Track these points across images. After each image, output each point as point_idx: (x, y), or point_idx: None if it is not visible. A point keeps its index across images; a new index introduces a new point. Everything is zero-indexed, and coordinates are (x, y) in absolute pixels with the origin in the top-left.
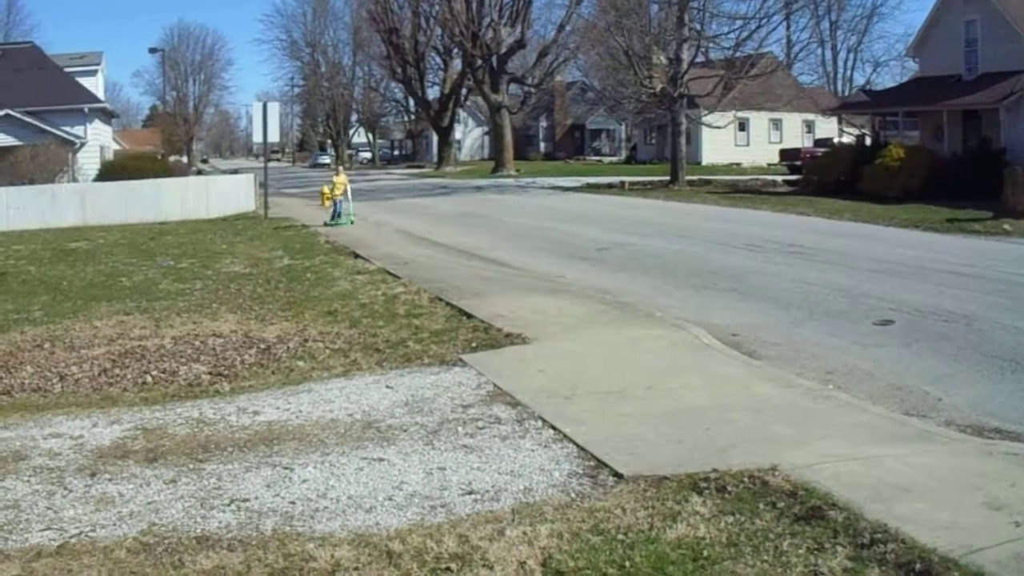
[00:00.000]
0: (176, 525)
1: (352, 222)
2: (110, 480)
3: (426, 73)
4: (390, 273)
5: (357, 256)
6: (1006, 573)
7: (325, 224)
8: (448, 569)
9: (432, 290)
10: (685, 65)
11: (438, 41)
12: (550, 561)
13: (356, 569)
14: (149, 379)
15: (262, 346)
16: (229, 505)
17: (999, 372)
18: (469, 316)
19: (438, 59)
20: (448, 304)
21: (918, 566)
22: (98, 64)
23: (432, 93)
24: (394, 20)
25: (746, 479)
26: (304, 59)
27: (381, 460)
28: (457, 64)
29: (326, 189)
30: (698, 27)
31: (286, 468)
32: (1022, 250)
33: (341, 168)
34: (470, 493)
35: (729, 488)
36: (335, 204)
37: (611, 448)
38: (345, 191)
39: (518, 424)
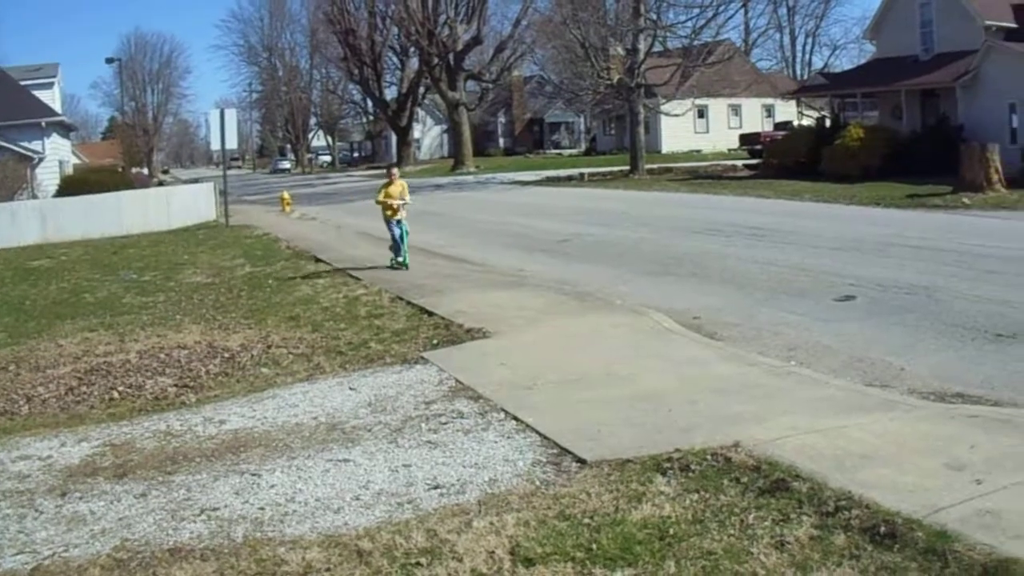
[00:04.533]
0: (148, 539)
1: (406, 261)
2: (81, 498)
3: (383, 73)
4: (352, 276)
5: (318, 260)
6: (968, 529)
7: (391, 266)
8: (418, 564)
9: (393, 290)
10: (642, 55)
11: (395, 40)
12: (518, 549)
13: (327, 570)
14: (116, 395)
15: (226, 355)
16: (200, 515)
17: (960, 340)
18: (430, 314)
19: (395, 59)
20: (409, 303)
21: (883, 529)
22: (54, 76)
23: (390, 93)
24: (350, 21)
25: (709, 457)
26: (262, 64)
27: (347, 461)
28: (414, 63)
29: (286, 195)
30: (654, 17)
31: (254, 475)
32: (980, 222)
33: (396, 170)
34: (436, 488)
35: (693, 467)
36: (393, 229)
37: (573, 435)
38: (402, 207)
39: (481, 417)
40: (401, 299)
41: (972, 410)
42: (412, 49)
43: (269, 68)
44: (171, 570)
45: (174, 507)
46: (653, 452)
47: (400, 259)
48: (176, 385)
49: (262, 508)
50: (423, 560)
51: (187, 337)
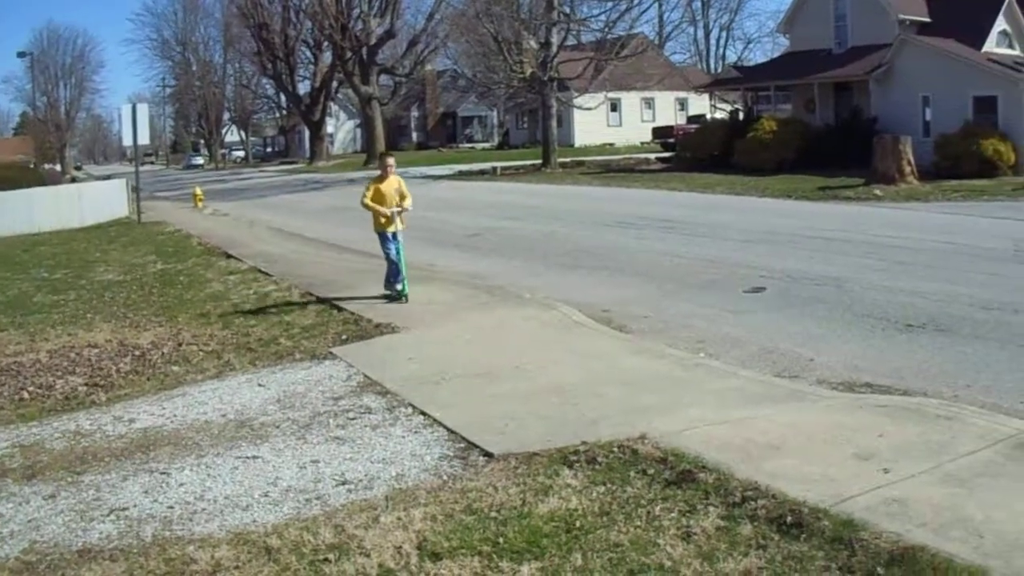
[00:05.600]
0: (57, 540)
1: (405, 290)
2: None
3: (296, 68)
4: (262, 271)
5: (229, 256)
6: (875, 517)
7: (386, 296)
8: (326, 560)
9: (303, 286)
10: (555, 49)
11: (308, 35)
12: (425, 544)
13: (236, 568)
14: (26, 395)
15: (137, 353)
16: (109, 515)
17: (869, 330)
18: (340, 309)
19: (308, 53)
20: (319, 299)
21: (789, 518)
22: None
23: (303, 88)
24: (264, 15)
25: (616, 449)
26: (175, 58)
27: (255, 458)
28: (327, 57)
29: (199, 191)
30: (567, 10)
31: (163, 473)
32: (892, 214)
33: (391, 160)
34: (344, 483)
35: (599, 459)
36: (388, 247)
37: (481, 429)
38: (399, 215)
39: (388, 412)
40: (311, 295)
41: (881, 400)
42: (325, 43)
43: (183, 63)
44: (80, 572)
45: (83, 508)
46: (560, 445)
47: (399, 287)
48: (86, 384)
49: (171, 507)
50: (331, 556)
51: (98, 335)
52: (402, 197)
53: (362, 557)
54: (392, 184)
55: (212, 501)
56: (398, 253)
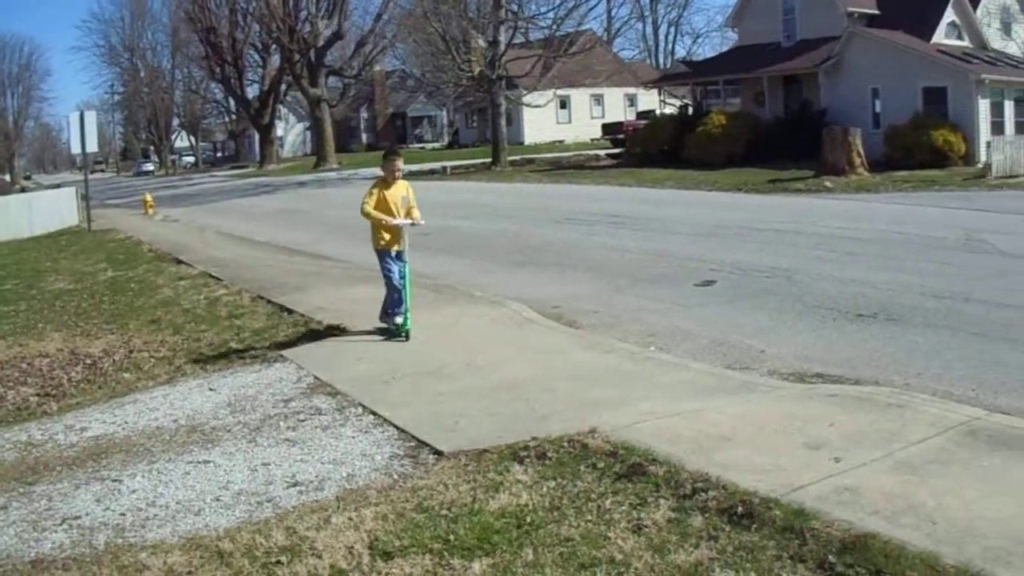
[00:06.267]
0: (10, 552)
1: (407, 325)
2: None
3: (245, 71)
4: (212, 276)
5: (180, 262)
6: (827, 506)
7: (383, 331)
8: (279, 562)
9: (253, 289)
10: (503, 47)
11: (256, 38)
12: (377, 543)
13: (189, 573)
14: None
15: (88, 362)
16: (61, 524)
17: (820, 321)
18: (290, 312)
19: (256, 56)
20: (269, 302)
21: (740, 509)
22: None
23: (252, 91)
24: (211, 19)
25: (566, 444)
26: (123, 65)
27: (207, 462)
28: (275, 60)
29: (149, 198)
30: (515, 8)
31: (115, 481)
32: (842, 205)
33: (399, 161)
34: (295, 485)
35: (549, 454)
36: (390, 267)
37: (431, 427)
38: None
39: (338, 413)
40: (262, 298)
41: (832, 389)
42: (273, 46)
43: (131, 69)
44: None
45: (35, 518)
46: (510, 441)
47: (399, 320)
48: (38, 394)
49: (123, 514)
50: (283, 558)
51: (49, 345)
52: (409, 208)
53: (314, 558)
54: (399, 191)
55: (164, 507)
56: (403, 278)
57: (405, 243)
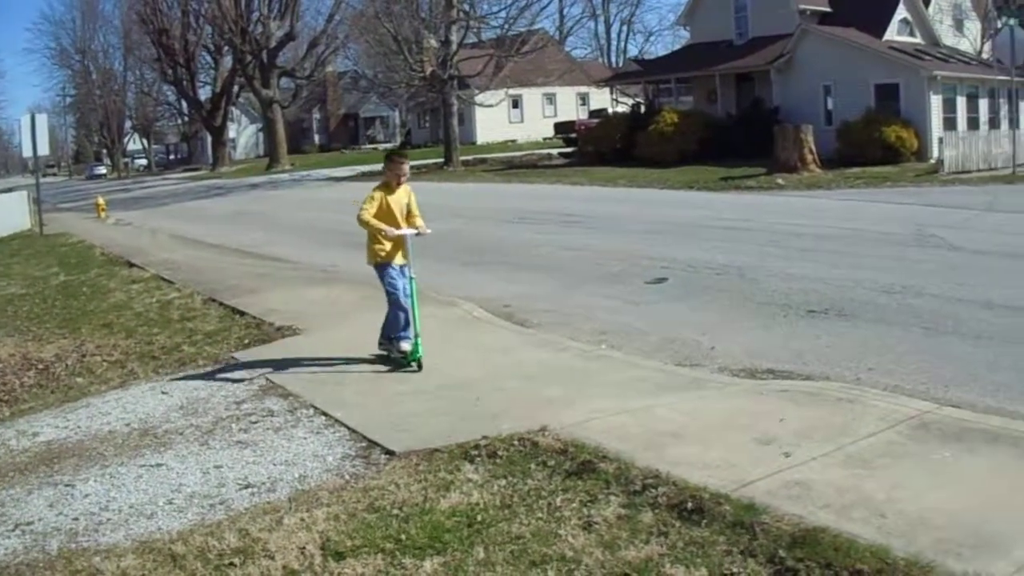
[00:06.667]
0: None
1: (418, 353)
2: None
3: (197, 73)
4: (165, 279)
5: (132, 265)
6: (777, 501)
7: (384, 358)
8: (231, 564)
9: (206, 292)
10: (455, 47)
11: (208, 39)
12: (329, 544)
13: None
14: None
15: (40, 366)
16: (14, 531)
17: (771, 317)
18: (242, 314)
19: (209, 58)
20: (221, 304)
21: (690, 505)
22: None
23: (204, 93)
24: (163, 20)
25: (517, 442)
26: (75, 67)
27: (159, 466)
28: (228, 61)
29: (101, 201)
30: (467, 8)
31: (68, 485)
32: (794, 202)
33: (406, 164)
34: (247, 487)
35: (500, 453)
36: (394, 282)
37: (382, 427)
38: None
39: (290, 414)
40: (214, 300)
41: (782, 385)
42: (225, 47)
43: (83, 71)
44: None
45: None
46: (461, 440)
47: (405, 345)
48: None
49: (76, 519)
50: (236, 560)
51: (1, 350)
52: (410, 215)
53: (266, 560)
54: (402, 197)
55: (117, 511)
56: (410, 296)
57: (409, 255)
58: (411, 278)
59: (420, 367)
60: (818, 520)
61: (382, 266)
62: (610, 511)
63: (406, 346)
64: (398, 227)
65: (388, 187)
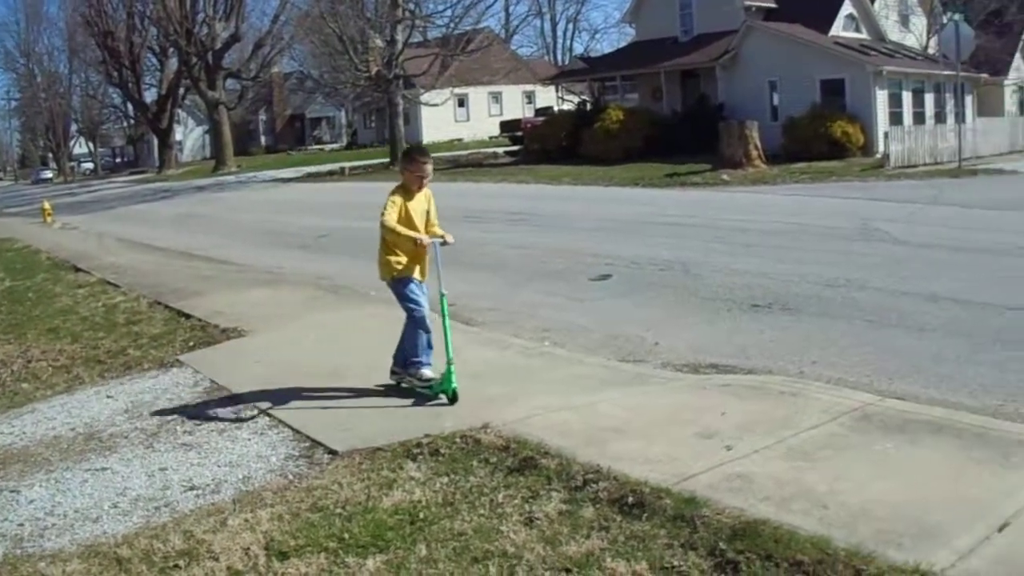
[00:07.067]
0: None
1: (453, 382)
2: None
3: (143, 75)
4: (110, 283)
5: (78, 270)
6: (718, 494)
7: (398, 386)
8: (176, 566)
9: (152, 295)
10: (400, 46)
11: (153, 41)
12: (272, 544)
13: None
14: None
15: None
16: None
17: (715, 312)
18: (187, 316)
19: (154, 60)
20: (167, 307)
21: (631, 499)
22: None
23: (150, 95)
24: (108, 23)
25: (459, 440)
26: (19, 70)
27: (104, 469)
28: (173, 63)
29: (47, 205)
30: (413, 7)
31: (12, 491)
32: (739, 197)
33: (428, 165)
34: (192, 489)
35: (442, 451)
36: (415, 297)
37: (326, 427)
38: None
39: (235, 416)
40: (160, 304)
41: (725, 379)
42: (171, 49)
43: (27, 74)
44: None
45: None
46: (403, 439)
47: (428, 373)
48: None
49: (21, 524)
50: (181, 562)
51: None
52: (429, 224)
53: (211, 561)
54: (422, 203)
55: (62, 516)
56: (442, 315)
57: (438, 265)
58: (443, 294)
59: (455, 399)
60: (759, 512)
61: (400, 281)
62: (551, 507)
63: (429, 372)
64: (424, 236)
65: (407, 191)
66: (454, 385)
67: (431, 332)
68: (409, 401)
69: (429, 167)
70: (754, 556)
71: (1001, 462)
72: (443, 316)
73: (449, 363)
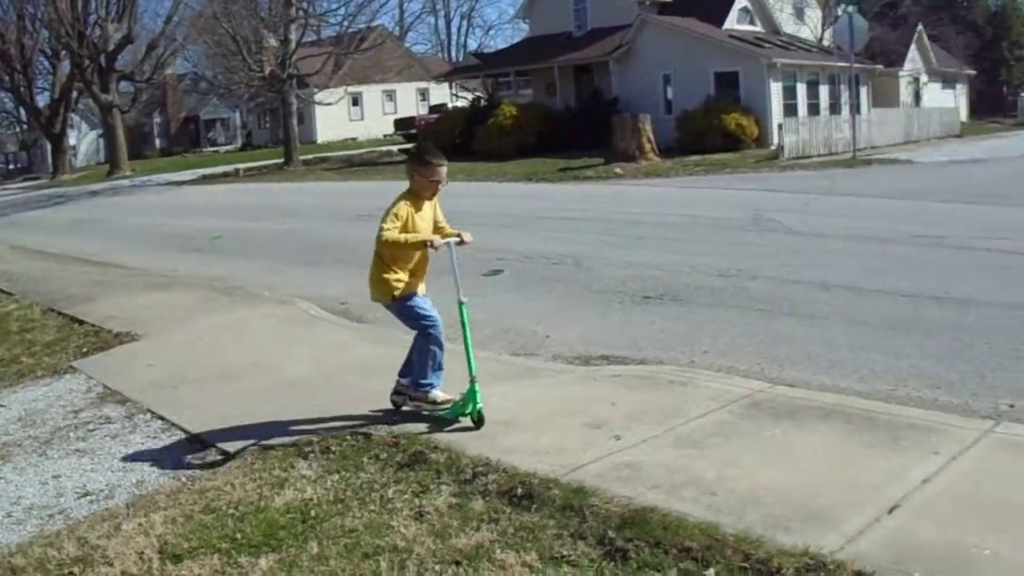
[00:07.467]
0: None
1: (478, 402)
2: None
3: (35, 79)
4: (2, 291)
5: None
6: (607, 483)
7: (406, 414)
8: (71, 573)
9: (45, 302)
10: (294, 45)
11: (45, 44)
12: (166, 547)
13: None
14: None
15: None
16: None
17: (606, 304)
18: (81, 322)
19: (47, 63)
20: (60, 314)
21: (520, 491)
22: None
23: (43, 99)
24: None
25: (349, 437)
26: None
27: None
28: (66, 66)
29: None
30: (306, 5)
31: None
32: (631, 191)
33: (443, 168)
34: (86, 495)
35: (333, 448)
36: (426, 315)
37: (218, 429)
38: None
39: (128, 420)
40: (53, 310)
41: (616, 370)
42: (63, 52)
43: None
44: None
45: None
46: (295, 438)
47: (438, 394)
48: None
49: None
50: (76, 569)
51: None
52: (438, 230)
53: (105, 566)
54: (428, 211)
55: None
56: (463, 327)
57: (455, 268)
58: (461, 302)
59: (480, 422)
60: (647, 500)
61: (404, 299)
62: (441, 500)
63: (442, 395)
64: (438, 238)
65: (416, 200)
66: (479, 405)
67: (443, 347)
68: (303, 400)
69: (444, 170)
70: (643, 544)
71: (891, 445)
72: (463, 327)
73: (472, 380)
